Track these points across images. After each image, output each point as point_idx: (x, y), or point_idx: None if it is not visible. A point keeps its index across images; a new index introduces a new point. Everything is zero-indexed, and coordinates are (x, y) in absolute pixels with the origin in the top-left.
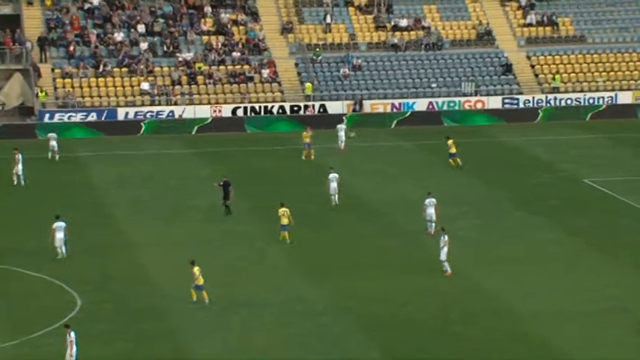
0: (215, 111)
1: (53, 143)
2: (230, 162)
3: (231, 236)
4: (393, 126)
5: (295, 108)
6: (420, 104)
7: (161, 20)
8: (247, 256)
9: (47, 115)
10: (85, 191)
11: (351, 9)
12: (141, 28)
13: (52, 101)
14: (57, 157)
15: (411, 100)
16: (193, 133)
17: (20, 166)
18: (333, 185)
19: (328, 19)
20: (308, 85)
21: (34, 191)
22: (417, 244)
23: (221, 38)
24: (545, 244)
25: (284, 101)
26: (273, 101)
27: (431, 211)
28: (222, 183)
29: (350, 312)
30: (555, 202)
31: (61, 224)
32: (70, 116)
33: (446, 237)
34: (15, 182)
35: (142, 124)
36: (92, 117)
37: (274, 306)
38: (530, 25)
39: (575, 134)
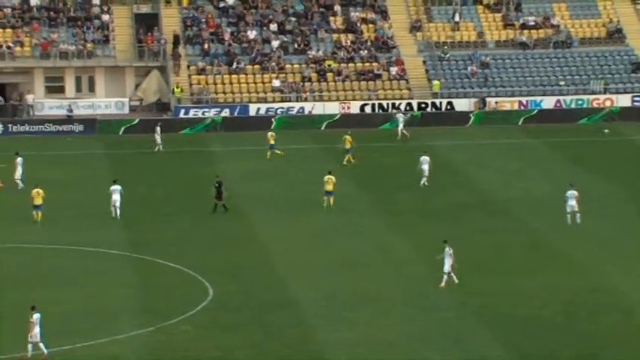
0: (344, 107)
1: (157, 136)
2: (355, 157)
3: (355, 230)
4: (520, 123)
5: (423, 105)
6: (548, 102)
7: (293, 19)
8: (372, 249)
9: (182, 111)
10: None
11: (479, 7)
12: (273, 26)
13: (187, 97)
14: (160, 148)
15: (538, 98)
16: (322, 128)
17: (20, 170)
18: (425, 167)
19: (457, 18)
20: (436, 82)
21: (170, 184)
22: (541, 240)
23: (350, 36)
24: None
25: (411, 98)
26: (401, 98)
27: (572, 203)
28: (215, 184)
29: (473, 308)
30: None
31: (117, 187)
32: (204, 112)
33: (450, 249)
34: (19, 187)
35: (272, 119)
36: (225, 112)
37: (398, 300)
38: None
39: None
